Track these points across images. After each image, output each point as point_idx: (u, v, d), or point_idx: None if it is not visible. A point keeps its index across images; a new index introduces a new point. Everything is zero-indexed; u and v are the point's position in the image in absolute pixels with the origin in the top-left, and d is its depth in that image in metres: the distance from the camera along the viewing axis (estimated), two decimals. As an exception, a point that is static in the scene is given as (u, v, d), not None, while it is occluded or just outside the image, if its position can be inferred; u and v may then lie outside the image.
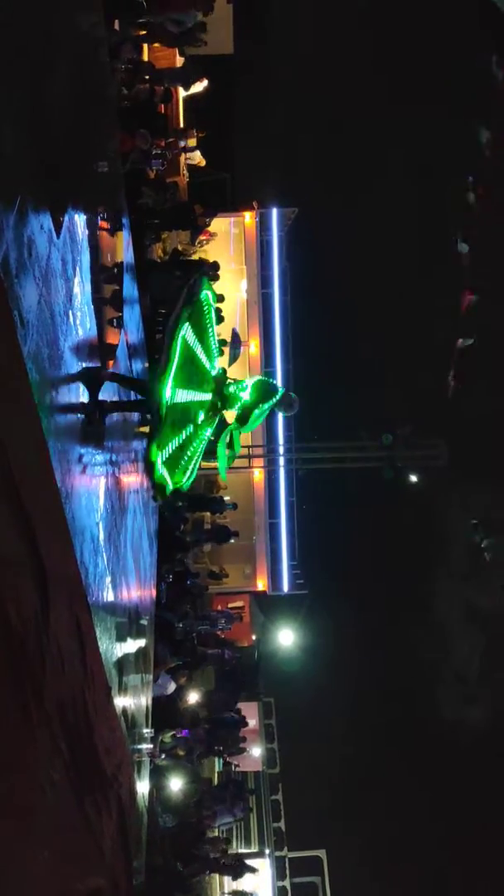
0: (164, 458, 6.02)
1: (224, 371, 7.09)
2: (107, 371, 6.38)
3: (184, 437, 6.41)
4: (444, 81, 22.83)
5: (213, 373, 6.94)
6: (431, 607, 27.05)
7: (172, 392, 5.93)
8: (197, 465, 6.97)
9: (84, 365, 5.42)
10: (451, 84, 22.55)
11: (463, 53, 21.52)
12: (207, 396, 6.76)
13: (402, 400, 24.97)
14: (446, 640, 27.43)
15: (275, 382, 7.26)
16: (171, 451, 6.16)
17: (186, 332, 6.19)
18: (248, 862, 16.37)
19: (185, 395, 6.26)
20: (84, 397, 5.48)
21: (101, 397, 5.89)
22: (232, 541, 19.00)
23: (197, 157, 16.80)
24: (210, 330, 6.98)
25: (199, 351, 6.58)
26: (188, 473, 6.76)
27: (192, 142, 16.23)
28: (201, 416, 6.74)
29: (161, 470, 6.03)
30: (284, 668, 25.30)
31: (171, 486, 6.36)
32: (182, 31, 12.86)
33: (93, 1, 6.53)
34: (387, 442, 21.00)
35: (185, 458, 6.59)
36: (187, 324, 6.16)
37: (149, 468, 6.03)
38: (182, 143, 15.73)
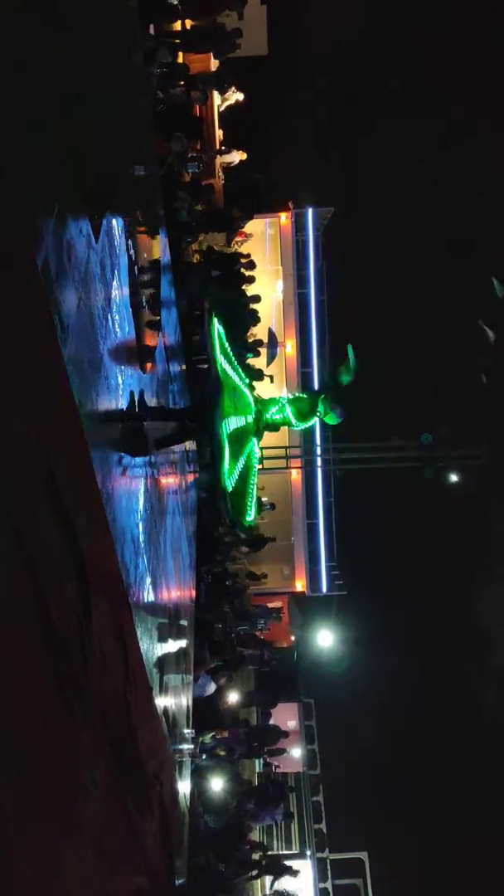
0: (232, 485, 6.20)
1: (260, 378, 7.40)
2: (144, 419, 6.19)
3: (242, 464, 6.56)
4: (488, 83, 22.51)
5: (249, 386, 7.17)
6: (472, 607, 26.69)
7: (225, 425, 6.09)
8: (253, 493, 7.25)
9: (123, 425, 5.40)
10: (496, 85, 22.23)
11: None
12: (251, 418, 6.95)
13: (442, 399, 24.69)
14: (488, 641, 27.04)
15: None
16: (236, 480, 6.35)
17: (223, 364, 6.33)
18: (289, 863, 16.29)
19: (235, 423, 6.41)
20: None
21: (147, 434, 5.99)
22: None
23: (235, 156, 16.80)
24: (231, 351, 7.12)
25: (235, 377, 6.71)
26: (252, 503, 6.99)
27: (238, 157, 16.41)
28: (253, 443, 6.95)
29: (231, 490, 6.22)
30: (324, 668, 25.17)
31: (248, 518, 6.59)
32: (217, 39, 12.91)
33: (128, 6, 6.58)
34: (426, 441, 20.70)
35: (250, 486, 6.79)
36: (220, 356, 6.31)
37: (222, 498, 6.21)
38: (229, 159, 15.97)
